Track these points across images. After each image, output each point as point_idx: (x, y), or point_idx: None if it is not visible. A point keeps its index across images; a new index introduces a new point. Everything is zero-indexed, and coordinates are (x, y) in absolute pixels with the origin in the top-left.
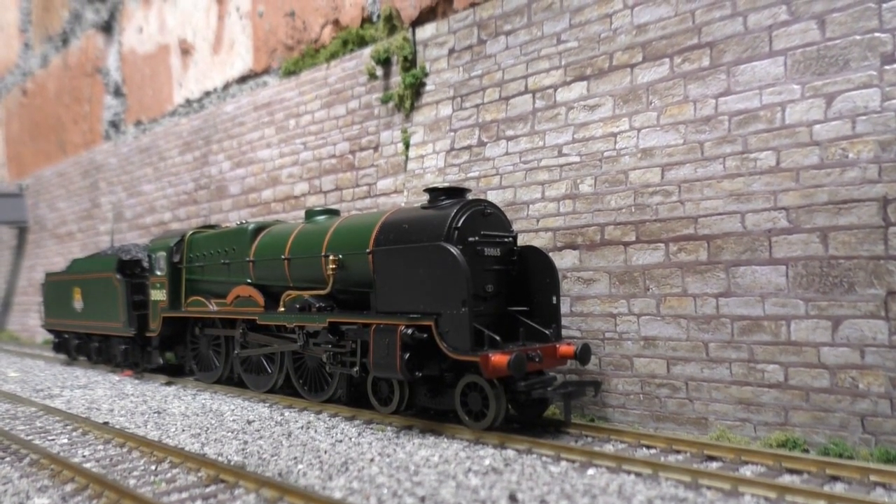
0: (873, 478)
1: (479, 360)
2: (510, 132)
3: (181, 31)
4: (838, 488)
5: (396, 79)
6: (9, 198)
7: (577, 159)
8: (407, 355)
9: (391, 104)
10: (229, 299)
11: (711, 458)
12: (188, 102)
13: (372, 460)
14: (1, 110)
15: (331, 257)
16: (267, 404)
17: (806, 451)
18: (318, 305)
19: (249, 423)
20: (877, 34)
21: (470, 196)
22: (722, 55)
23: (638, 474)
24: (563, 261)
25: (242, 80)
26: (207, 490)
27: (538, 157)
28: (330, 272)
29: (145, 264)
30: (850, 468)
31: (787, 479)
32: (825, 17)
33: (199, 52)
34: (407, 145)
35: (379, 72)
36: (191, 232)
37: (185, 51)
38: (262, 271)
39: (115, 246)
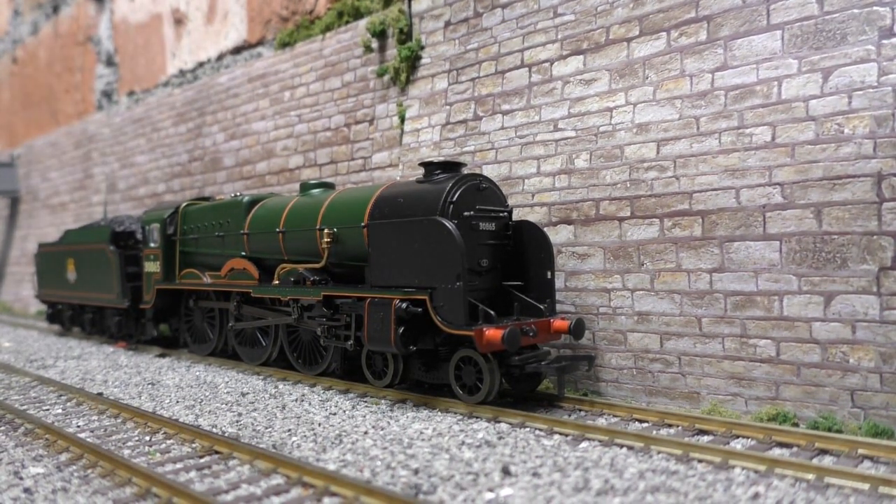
0: (861, 451)
1: (473, 334)
2: (506, 106)
3: (174, 0)
4: (827, 461)
5: (392, 51)
6: (0, 167)
7: (572, 134)
8: (401, 329)
9: (387, 77)
10: (224, 272)
11: (703, 432)
12: (182, 73)
13: (366, 433)
14: None
15: (326, 231)
16: (261, 377)
17: (796, 424)
18: (312, 279)
19: (244, 395)
20: (875, 7)
21: (465, 170)
22: (719, 29)
23: (630, 447)
24: (558, 236)
25: (237, 51)
26: (202, 461)
27: (534, 132)
28: (325, 246)
29: (139, 236)
30: (838, 442)
31: (776, 452)
32: None
33: (193, 21)
34: (402, 119)
35: (374, 44)
36: (185, 204)
37: (179, 20)
38: (256, 244)
39: (109, 217)
